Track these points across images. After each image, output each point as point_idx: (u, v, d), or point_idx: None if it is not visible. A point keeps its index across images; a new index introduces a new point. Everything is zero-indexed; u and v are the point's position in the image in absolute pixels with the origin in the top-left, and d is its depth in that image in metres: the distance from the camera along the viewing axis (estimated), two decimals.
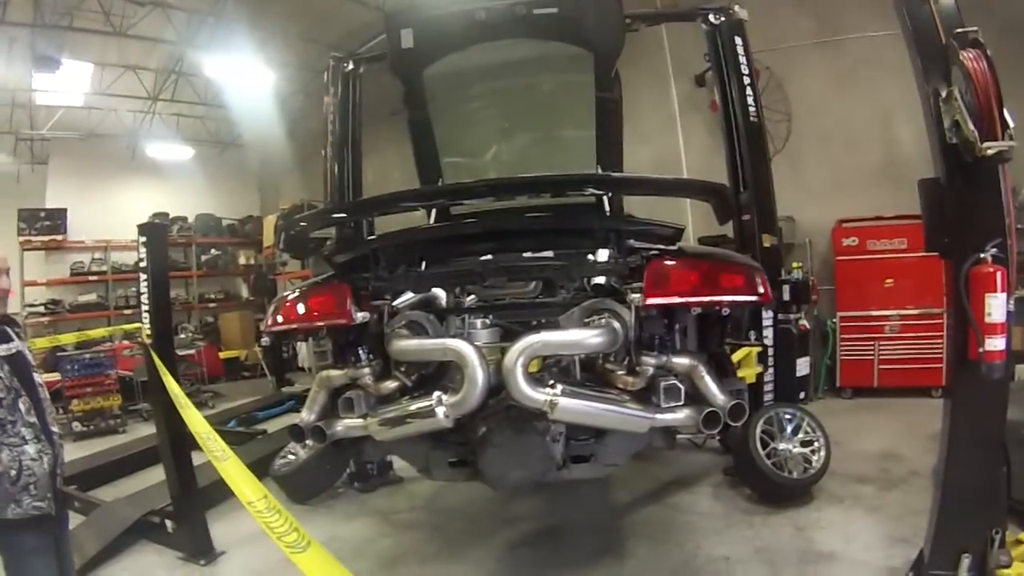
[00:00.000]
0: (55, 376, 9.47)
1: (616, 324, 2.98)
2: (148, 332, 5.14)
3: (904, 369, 8.34)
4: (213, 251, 16.56)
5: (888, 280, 8.44)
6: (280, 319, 3.53)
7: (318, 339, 3.70)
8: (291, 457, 6.18)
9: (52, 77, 11.68)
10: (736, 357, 5.68)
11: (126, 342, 11.57)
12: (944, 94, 3.23)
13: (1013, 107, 3.05)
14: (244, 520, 5.45)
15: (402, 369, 3.34)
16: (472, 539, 5.15)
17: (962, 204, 3.37)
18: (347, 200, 6.21)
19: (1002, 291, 3.25)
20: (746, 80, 5.99)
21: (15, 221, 13.63)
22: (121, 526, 5.29)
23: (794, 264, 8.43)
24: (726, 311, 3.07)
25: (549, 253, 3.57)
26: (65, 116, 14.06)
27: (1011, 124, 3.10)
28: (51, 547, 3.14)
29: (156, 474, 6.01)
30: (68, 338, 9.46)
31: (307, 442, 3.61)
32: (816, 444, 5.43)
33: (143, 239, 5.20)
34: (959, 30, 3.20)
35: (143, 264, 5.23)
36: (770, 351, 6.11)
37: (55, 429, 3.23)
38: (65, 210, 14.25)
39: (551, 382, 2.90)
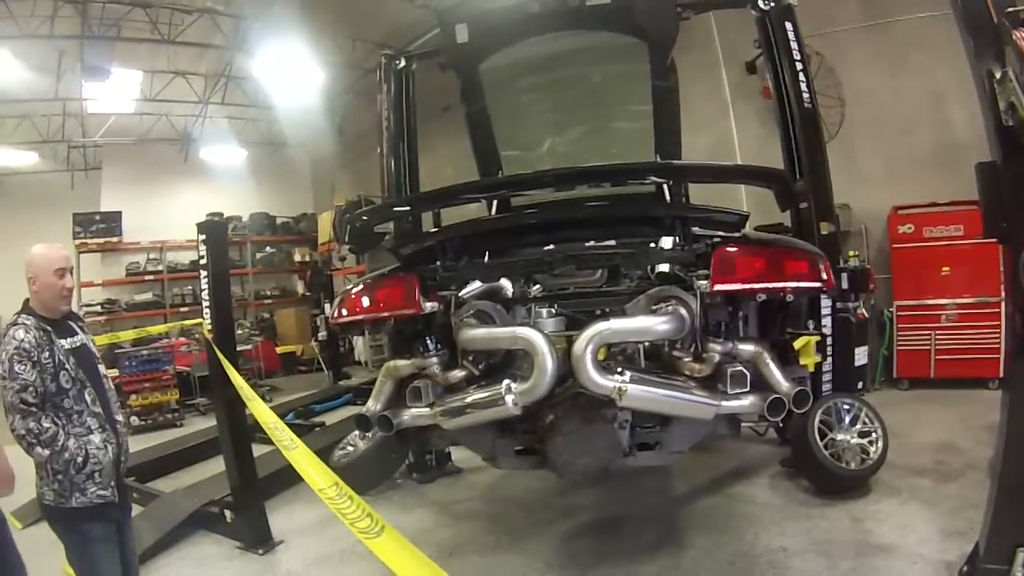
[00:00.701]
0: (113, 372, 9.73)
1: (683, 311, 3.00)
2: (209, 328, 5.27)
3: (961, 360, 8.13)
4: (268, 249, 16.96)
5: (944, 268, 8.23)
6: (346, 312, 3.60)
7: (377, 332, 3.75)
8: (350, 448, 6.29)
9: (102, 86, 11.99)
10: (795, 346, 5.65)
11: (183, 339, 11.87)
12: (999, 75, 3.15)
13: None
14: (301, 511, 5.64)
15: (470, 358, 3.40)
16: (530, 529, 5.19)
17: (1020, 188, 3.29)
18: (405, 195, 6.28)
19: None
20: (798, 66, 5.89)
21: (71, 225, 14.06)
22: (180, 516, 5.45)
23: (850, 252, 8.29)
24: (790, 298, 3.06)
25: (612, 242, 3.59)
26: (116, 123, 14.49)
27: None
28: (114, 536, 3.26)
29: (213, 466, 6.20)
30: (127, 335, 9.78)
31: (371, 432, 3.67)
32: (874, 435, 5.36)
33: (203, 237, 5.33)
34: (1011, 9, 3.14)
35: (203, 261, 5.36)
36: (828, 340, 6.03)
37: (120, 419, 3.36)
38: (119, 213, 14.71)
39: (619, 369, 2.92)
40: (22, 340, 3.00)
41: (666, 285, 3.28)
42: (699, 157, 9.00)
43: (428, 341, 3.41)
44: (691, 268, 3.35)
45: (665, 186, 4.69)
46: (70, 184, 15.40)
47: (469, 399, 3.24)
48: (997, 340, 7.78)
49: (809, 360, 5.64)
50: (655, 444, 3.38)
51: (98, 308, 14.21)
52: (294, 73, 11.90)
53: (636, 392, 2.88)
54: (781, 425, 5.36)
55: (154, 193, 15.50)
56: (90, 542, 3.15)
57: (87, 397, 3.13)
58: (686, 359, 3.10)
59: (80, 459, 3.03)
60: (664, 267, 3.57)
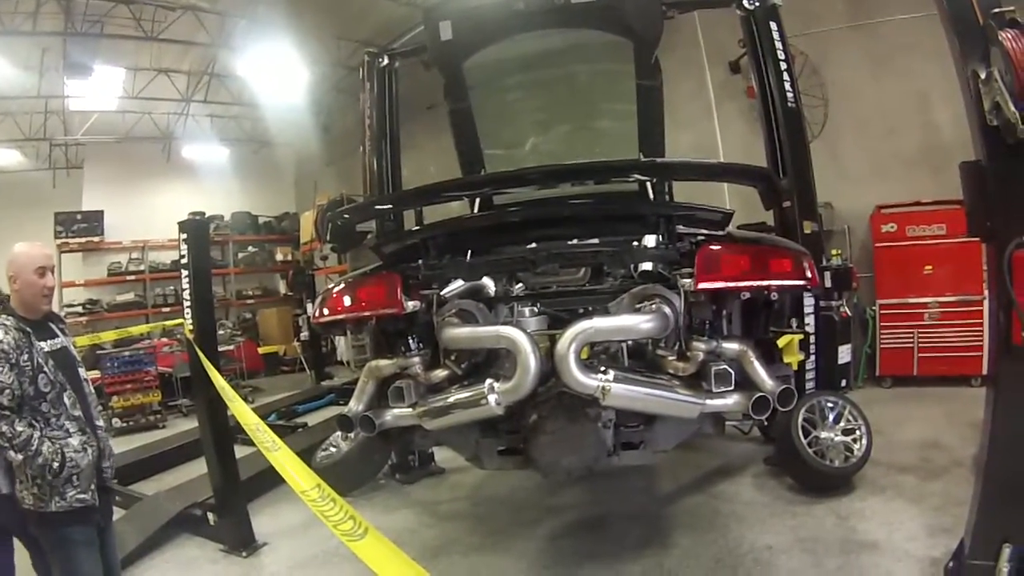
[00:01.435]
0: (95, 374, 9.64)
1: (667, 309, 2.98)
2: (191, 328, 5.21)
3: (943, 357, 8.18)
4: (250, 248, 16.81)
5: (927, 267, 8.27)
6: (327, 311, 3.58)
7: (359, 331, 3.72)
8: (332, 449, 6.23)
9: (85, 83, 11.84)
10: (779, 344, 5.66)
11: (165, 339, 11.77)
12: (984, 75, 3.16)
13: None
14: (285, 512, 5.59)
15: (452, 357, 3.37)
16: (515, 529, 5.17)
17: (1005, 187, 3.29)
18: (387, 193, 6.25)
19: None
20: (783, 65, 5.91)
21: (52, 225, 13.91)
22: (163, 519, 5.38)
23: (833, 251, 8.31)
24: (774, 296, 3.06)
25: (595, 241, 3.57)
26: (99, 121, 14.34)
27: None
28: (95, 539, 3.22)
29: (196, 468, 6.13)
30: (108, 336, 9.67)
31: (353, 432, 3.64)
32: (858, 432, 5.37)
33: (184, 236, 5.27)
34: (996, 10, 3.13)
35: (184, 261, 5.30)
36: (812, 339, 6.05)
37: (100, 423, 3.33)
38: (102, 212, 14.57)
39: (603, 368, 2.90)
40: (1, 341, 2.95)
41: (650, 284, 3.26)
42: (683, 156, 9.01)
43: (410, 340, 3.38)
44: (675, 266, 3.34)
45: (648, 184, 4.68)
46: (52, 183, 15.19)
47: (452, 399, 3.22)
48: (980, 338, 7.85)
49: (793, 358, 5.64)
50: (639, 443, 3.37)
51: (80, 309, 14.05)
52: (278, 71, 11.83)
53: (620, 391, 2.87)
54: (765, 423, 5.36)
55: (136, 192, 15.36)
56: (71, 546, 3.11)
57: (66, 400, 3.09)
58: (670, 358, 3.09)
59: (56, 464, 2.97)
60: (648, 265, 3.55)
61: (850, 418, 5.43)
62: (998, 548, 3.35)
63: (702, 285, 2.94)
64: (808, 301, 6.00)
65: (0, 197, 14.29)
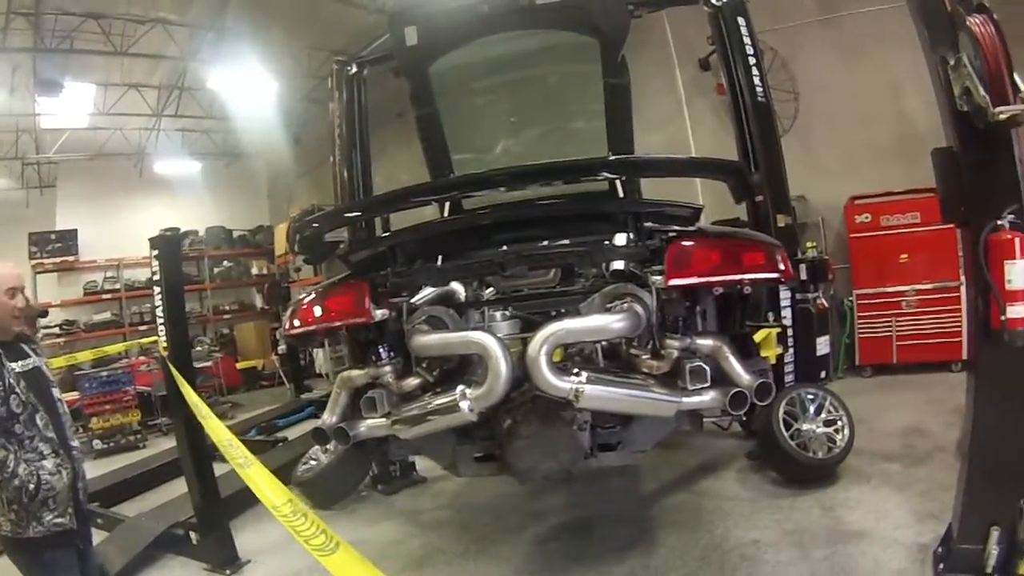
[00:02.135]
0: (74, 395, 9.50)
1: (639, 308, 2.95)
2: (165, 345, 5.14)
3: (923, 344, 8.23)
4: (225, 263, 16.64)
5: (903, 255, 8.32)
6: (298, 323, 3.53)
7: (336, 342, 3.68)
8: (313, 463, 6.16)
9: (56, 100, 11.72)
10: (756, 338, 5.65)
11: (143, 358, 11.62)
12: (953, 62, 3.19)
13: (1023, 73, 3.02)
14: (269, 529, 5.49)
15: (423, 365, 3.32)
16: (499, 535, 5.12)
17: (977, 172, 3.33)
18: (353, 201, 6.20)
19: (1022, 257, 3.20)
20: (751, 60, 5.94)
21: (26, 245, 13.72)
22: (145, 540, 5.30)
23: (808, 243, 8.35)
24: (748, 290, 3.04)
25: (565, 241, 3.53)
26: (71, 138, 14.15)
27: (1023, 88, 3.06)
28: (76, 563, 3.15)
29: (178, 487, 6.01)
30: (84, 356, 9.52)
31: (329, 445, 3.59)
32: (839, 423, 5.37)
33: (155, 252, 5.21)
34: None
35: (156, 277, 5.23)
36: (790, 332, 6.04)
37: (75, 444, 3.25)
38: (75, 231, 14.40)
39: (576, 370, 2.87)
40: None
41: (622, 283, 3.22)
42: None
43: (381, 349, 3.34)
44: (647, 264, 3.31)
45: (618, 182, 4.65)
46: (26, 202, 14.98)
47: (424, 407, 3.18)
48: (958, 324, 7.92)
49: (771, 352, 5.63)
50: (617, 444, 3.34)
51: (56, 330, 13.84)
52: (248, 83, 11.73)
53: (594, 393, 2.83)
54: (745, 418, 5.34)
55: (110, 209, 15.19)
56: (52, 571, 3.04)
57: (39, 422, 3.01)
58: (644, 356, 3.05)
59: (32, 486, 2.90)
60: (620, 265, 3.52)
61: (831, 409, 5.42)
62: (986, 532, 3.37)
63: (673, 282, 2.91)
64: (784, 294, 6.00)
65: None
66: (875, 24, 8.48)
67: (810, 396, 5.47)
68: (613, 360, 3.25)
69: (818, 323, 6.31)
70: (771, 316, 5.73)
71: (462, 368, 3.41)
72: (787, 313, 6.06)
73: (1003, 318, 3.20)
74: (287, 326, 3.61)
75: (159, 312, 5.22)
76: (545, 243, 3.50)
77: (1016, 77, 3.00)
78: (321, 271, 11.47)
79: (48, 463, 2.99)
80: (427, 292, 3.72)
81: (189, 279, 15.13)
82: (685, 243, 3.03)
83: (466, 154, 5.53)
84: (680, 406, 2.98)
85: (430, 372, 3.31)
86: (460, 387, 3.02)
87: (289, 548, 5.12)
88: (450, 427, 3.14)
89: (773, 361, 5.67)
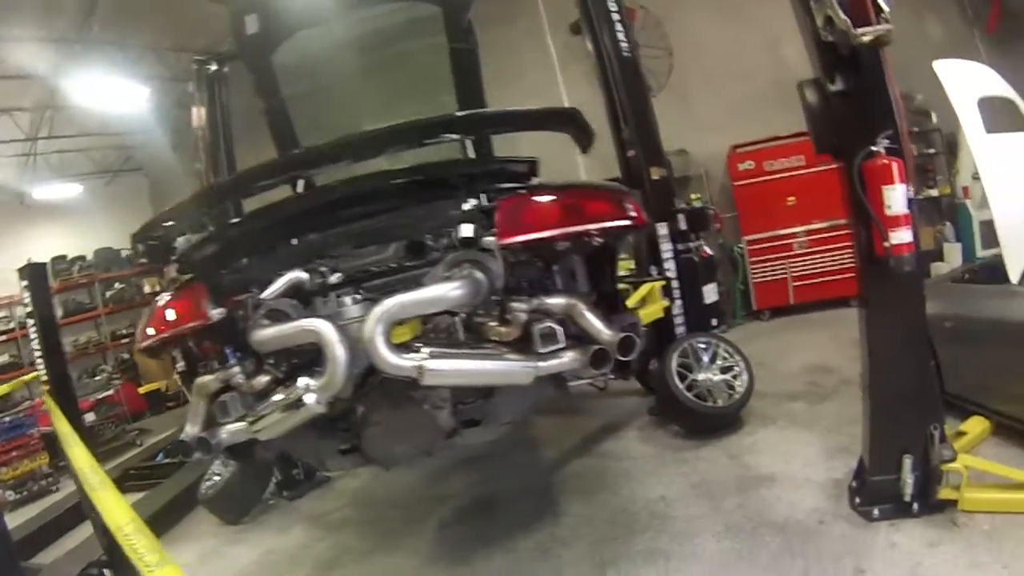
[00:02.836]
0: None
1: (478, 274, 2.80)
2: (44, 378, 4.84)
3: (819, 284, 8.44)
4: (117, 285, 15.68)
5: (790, 198, 8.49)
6: (145, 335, 3.35)
7: (187, 346, 3.48)
8: (216, 478, 5.91)
9: None
10: (639, 294, 5.65)
11: (42, 397, 11.03)
12: None
13: None
14: (186, 548, 5.42)
15: (271, 361, 3.15)
16: (405, 526, 5.02)
17: (847, 100, 3.33)
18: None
19: (900, 182, 3.21)
20: (615, 17, 5.92)
21: None
22: None
23: (693, 195, 8.44)
24: (599, 241, 2.93)
25: (396, 214, 3.34)
26: None
27: (885, 8, 3.06)
28: None
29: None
30: None
31: (195, 455, 3.38)
32: (737, 368, 5.39)
33: (25, 283, 4.92)
34: None
35: (29, 309, 4.93)
36: (675, 283, 6.06)
37: None
38: None
39: (417, 346, 2.72)
40: None
41: (466, 250, 3.06)
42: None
43: (227, 351, 3.16)
44: (492, 228, 3.17)
45: (468, 146, 4.49)
46: None
47: (275, 405, 3.00)
48: (851, 260, 8.03)
49: (656, 305, 5.64)
50: (481, 419, 3.22)
51: None
52: (120, 93, 11.17)
53: (438, 367, 2.68)
54: (628, 372, 5.06)
55: None
56: None
57: None
58: (492, 324, 2.92)
59: None
60: (469, 232, 3.36)
61: (725, 355, 5.45)
62: (898, 460, 3.40)
63: (505, 240, 2.78)
64: (666, 246, 6.01)
65: None
66: None
67: (702, 345, 5.48)
68: (471, 333, 3.12)
69: (703, 271, 6.32)
70: (654, 270, 5.74)
71: (318, 360, 3.25)
72: (671, 265, 6.07)
73: (886, 244, 3.21)
74: (138, 340, 3.42)
75: (35, 346, 4.93)
76: (378, 218, 3.30)
77: None
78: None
79: None
80: (277, 285, 3.53)
81: (83, 307, 14.59)
82: (517, 199, 2.90)
83: (317, 141, 5.29)
84: (537, 371, 2.82)
85: (279, 368, 3.13)
86: (302, 379, 2.86)
87: (200, 571, 5.00)
88: (305, 422, 2.96)
89: (661, 315, 5.69)
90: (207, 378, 3.27)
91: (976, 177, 6.86)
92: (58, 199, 14.92)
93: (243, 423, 3.15)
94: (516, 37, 8.30)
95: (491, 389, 3.14)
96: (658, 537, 3.95)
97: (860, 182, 3.30)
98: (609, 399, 6.55)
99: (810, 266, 8.48)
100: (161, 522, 5.74)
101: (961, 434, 3.97)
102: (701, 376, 5.32)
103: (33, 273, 5.02)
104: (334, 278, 3.21)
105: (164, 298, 3.36)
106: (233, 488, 5.74)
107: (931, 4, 8.23)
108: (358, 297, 3.16)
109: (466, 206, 3.18)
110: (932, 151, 8.51)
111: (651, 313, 5.58)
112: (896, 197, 3.22)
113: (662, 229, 6.03)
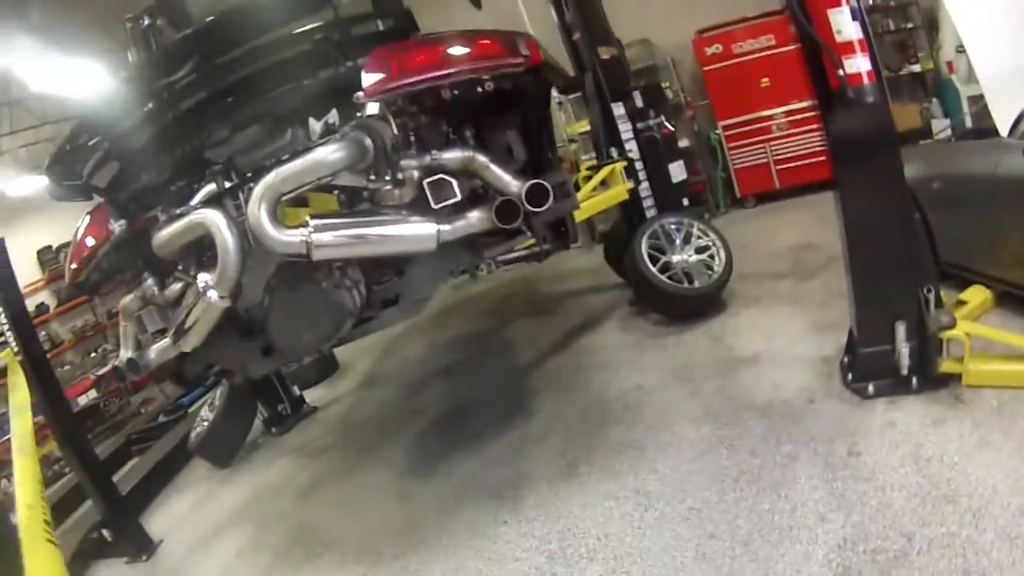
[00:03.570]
0: None
1: (361, 135, 2.56)
2: (15, 350, 4.73)
3: (803, 166, 8.01)
4: None
5: (764, 79, 8.06)
6: (71, 268, 3.40)
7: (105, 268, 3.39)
8: (205, 424, 5.88)
9: None
10: (598, 177, 5.43)
11: None
12: None
13: None
14: (176, 502, 5.49)
15: (179, 268, 3.01)
16: (382, 441, 4.96)
17: None
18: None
19: (847, 3, 2.93)
20: None
21: None
22: (67, 555, 4.94)
23: (663, 83, 8.09)
24: (490, 86, 2.70)
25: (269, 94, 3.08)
26: None
27: None
28: None
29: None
30: None
31: (129, 376, 3.27)
32: (713, 248, 5.10)
33: None
34: None
35: None
36: (639, 164, 5.78)
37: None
38: None
39: (304, 221, 2.53)
40: None
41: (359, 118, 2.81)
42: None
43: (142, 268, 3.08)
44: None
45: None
46: None
47: (184, 311, 2.87)
48: None
49: (620, 188, 5.39)
50: (396, 297, 3.05)
51: None
52: (72, 73, 10.94)
53: (327, 240, 2.49)
54: (546, 241, 4.63)
55: None
56: None
57: None
58: (386, 188, 2.71)
59: None
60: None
61: (700, 235, 5.17)
62: (891, 328, 3.10)
63: (369, 88, 2.53)
64: (624, 125, 5.74)
65: None
66: None
67: (674, 225, 5.22)
68: (372, 204, 2.88)
69: (667, 149, 6.03)
70: (614, 152, 5.48)
71: None
72: (631, 146, 5.79)
73: (841, 73, 2.93)
74: (67, 281, 3.47)
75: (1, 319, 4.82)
76: (253, 105, 3.04)
77: None
78: None
79: None
80: (198, 198, 3.35)
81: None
82: (385, 49, 2.62)
83: None
84: (440, 234, 2.64)
85: (188, 273, 2.99)
86: (201, 276, 2.71)
87: (195, 515, 5.05)
88: (216, 322, 2.80)
89: (626, 197, 5.46)
90: (127, 298, 3.25)
91: (960, 50, 6.31)
92: (33, 193, 14.84)
93: (166, 339, 3.04)
94: None
95: (402, 265, 2.97)
96: (632, 428, 3.78)
97: (802, 10, 3.02)
98: (590, 295, 6.37)
99: (793, 148, 8.08)
100: (154, 485, 5.87)
101: (961, 303, 3.55)
102: (676, 258, 5.04)
103: None
104: (240, 178, 3.01)
105: (77, 232, 3.34)
106: (219, 429, 5.73)
107: None
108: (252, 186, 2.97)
109: (325, 73, 2.92)
110: (910, 25, 8.05)
111: (614, 196, 5.35)
112: (844, 21, 2.93)
113: (618, 109, 5.73)
